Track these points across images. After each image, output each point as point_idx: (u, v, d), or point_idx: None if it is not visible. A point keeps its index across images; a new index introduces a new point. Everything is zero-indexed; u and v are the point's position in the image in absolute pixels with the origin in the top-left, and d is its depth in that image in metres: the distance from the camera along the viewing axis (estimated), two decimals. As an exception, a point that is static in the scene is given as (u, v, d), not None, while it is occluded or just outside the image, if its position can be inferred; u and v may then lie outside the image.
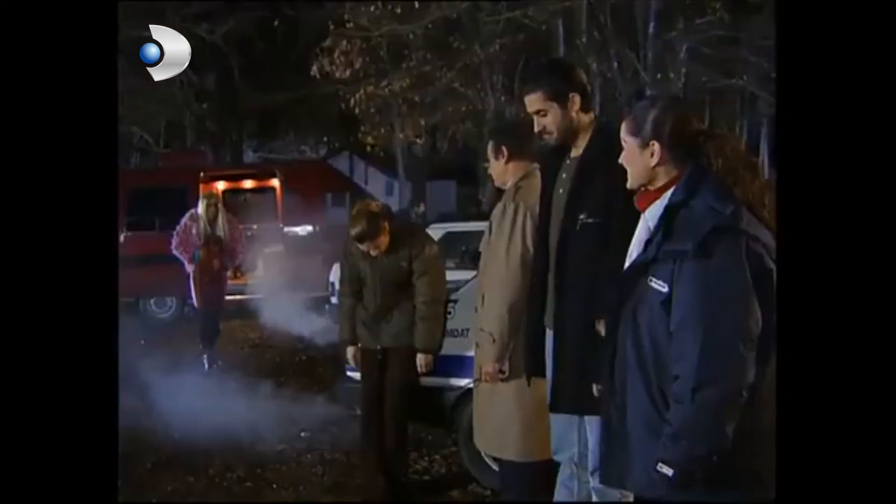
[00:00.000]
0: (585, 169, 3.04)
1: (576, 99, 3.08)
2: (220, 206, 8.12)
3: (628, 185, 2.36)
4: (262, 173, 12.78)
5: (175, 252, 7.94)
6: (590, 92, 3.16)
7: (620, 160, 2.36)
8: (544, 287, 3.21)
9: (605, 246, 2.88)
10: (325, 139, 23.28)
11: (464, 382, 4.46)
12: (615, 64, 14.22)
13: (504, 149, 3.64)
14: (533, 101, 3.11)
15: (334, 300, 8.86)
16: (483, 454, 4.51)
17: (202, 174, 11.65)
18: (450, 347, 4.56)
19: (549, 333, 3.22)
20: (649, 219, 2.31)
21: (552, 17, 12.45)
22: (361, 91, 12.62)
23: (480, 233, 9.18)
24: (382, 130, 15.28)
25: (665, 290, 2.18)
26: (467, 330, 4.48)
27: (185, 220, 8.05)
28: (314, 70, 11.95)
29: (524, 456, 3.59)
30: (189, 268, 8.01)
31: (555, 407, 3.13)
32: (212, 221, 7.96)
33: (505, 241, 3.46)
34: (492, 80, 14.12)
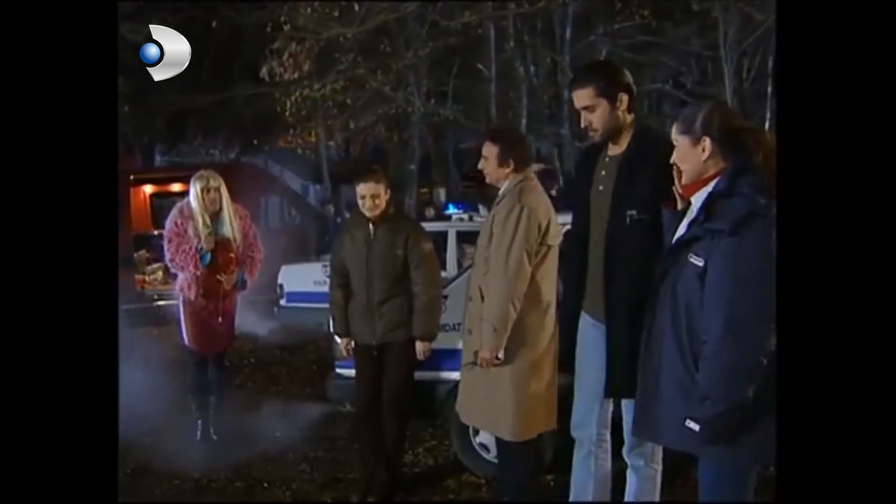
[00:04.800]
0: (630, 167, 3.17)
1: (623, 98, 3.21)
2: (223, 191, 5.28)
3: (684, 181, 2.62)
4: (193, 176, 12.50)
5: (171, 267, 5.43)
6: (635, 94, 3.28)
7: (673, 159, 2.63)
8: (582, 276, 3.35)
9: (656, 239, 2.96)
10: (254, 142, 22.83)
11: (454, 376, 4.58)
12: (532, 67, 14.59)
13: (511, 160, 3.80)
14: (583, 97, 3.21)
15: (283, 302, 8.86)
16: (474, 445, 4.68)
17: (132, 177, 11.41)
18: (441, 341, 4.67)
19: (586, 319, 3.39)
20: (695, 204, 2.60)
21: (483, 22, 12.69)
22: (298, 93, 12.58)
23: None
24: (313, 133, 15.19)
25: (701, 264, 2.47)
26: (458, 324, 4.61)
27: (174, 216, 5.33)
28: (263, 72, 11.85)
29: (516, 435, 3.79)
30: (184, 285, 5.34)
31: (610, 393, 3.29)
32: (214, 215, 5.27)
33: (509, 238, 3.63)
34: (419, 83, 14.29)
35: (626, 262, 3.17)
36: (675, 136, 2.62)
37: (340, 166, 22.50)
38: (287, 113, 13.09)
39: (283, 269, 8.74)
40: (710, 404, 2.43)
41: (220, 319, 5.35)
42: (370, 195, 4.32)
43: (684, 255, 2.54)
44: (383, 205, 4.36)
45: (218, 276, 5.26)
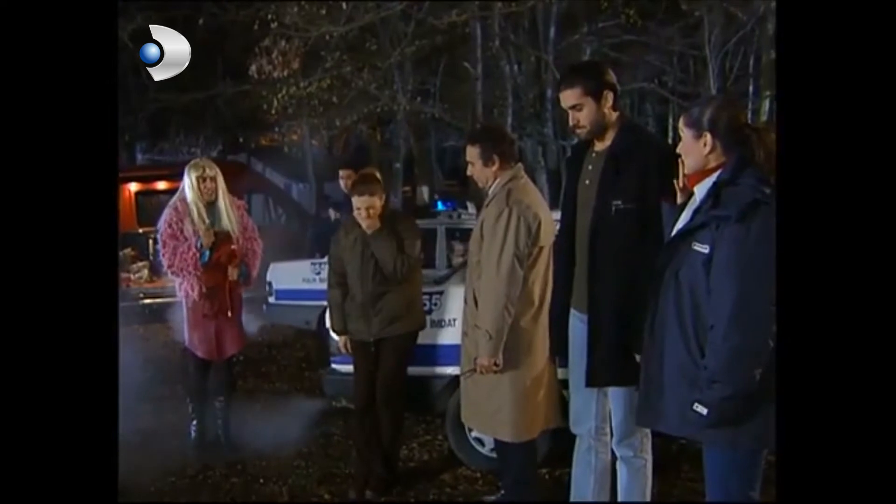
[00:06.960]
0: (616, 160, 3.26)
1: (609, 96, 3.31)
2: (219, 180, 5.06)
3: (686, 171, 2.72)
4: (178, 174, 12.41)
5: (171, 273, 5.12)
6: (619, 91, 3.38)
7: (678, 149, 2.72)
8: (570, 271, 3.43)
9: (641, 229, 3.13)
10: (240, 139, 22.77)
11: (450, 371, 4.64)
12: (515, 66, 14.65)
13: (496, 157, 3.81)
14: (570, 96, 3.31)
15: (272, 300, 8.86)
16: (469, 439, 4.74)
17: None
18: (437, 337, 4.76)
19: (574, 314, 3.46)
20: (698, 194, 2.68)
21: (468, 21, 12.72)
22: (284, 91, 12.58)
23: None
24: (298, 131, 15.17)
25: (706, 251, 2.55)
26: (454, 320, 4.68)
27: (168, 217, 5.05)
28: (252, 70, 11.86)
29: (516, 437, 3.85)
30: (186, 288, 5.08)
31: (591, 382, 3.35)
32: (209, 207, 5.05)
33: (499, 243, 3.65)
34: (405, 81, 14.33)
35: (610, 252, 3.26)
36: (682, 126, 2.72)
37: (327, 165, 22.51)
38: (273, 111, 13.08)
39: (272, 266, 8.71)
40: (719, 387, 2.49)
41: (229, 314, 5.12)
42: (365, 207, 4.38)
43: (687, 244, 2.62)
44: (379, 212, 4.41)
45: (229, 268, 5.08)
